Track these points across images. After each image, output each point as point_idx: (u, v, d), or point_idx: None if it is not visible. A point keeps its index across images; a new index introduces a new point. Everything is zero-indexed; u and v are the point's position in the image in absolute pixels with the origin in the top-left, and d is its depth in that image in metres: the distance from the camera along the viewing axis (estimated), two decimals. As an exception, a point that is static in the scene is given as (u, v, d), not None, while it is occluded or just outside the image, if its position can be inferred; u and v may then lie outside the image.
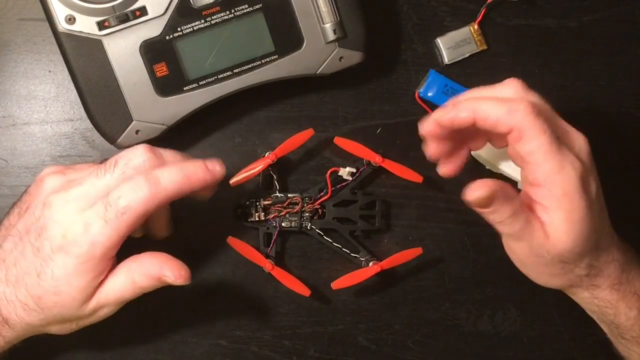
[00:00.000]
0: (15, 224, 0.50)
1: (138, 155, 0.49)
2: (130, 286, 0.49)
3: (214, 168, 0.50)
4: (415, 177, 0.58)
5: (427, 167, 0.61)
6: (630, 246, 0.52)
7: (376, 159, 0.57)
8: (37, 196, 0.50)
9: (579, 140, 0.48)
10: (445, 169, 0.53)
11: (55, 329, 0.51)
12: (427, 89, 0.59)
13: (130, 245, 0.50)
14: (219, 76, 0.55)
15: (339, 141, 0.58)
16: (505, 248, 0.51)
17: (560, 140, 0.47)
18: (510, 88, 0.49)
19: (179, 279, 0.49)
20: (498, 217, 0.47)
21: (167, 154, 0.50)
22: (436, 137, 0.50)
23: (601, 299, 0.51)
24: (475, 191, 0.46)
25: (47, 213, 0.48)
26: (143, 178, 0.47)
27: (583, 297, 0.52)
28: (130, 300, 0.50)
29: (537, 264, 0.49)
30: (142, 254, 0.50)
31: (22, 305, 0.49)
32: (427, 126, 0.49)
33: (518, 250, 0.50)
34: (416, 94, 0.60)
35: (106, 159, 0.50)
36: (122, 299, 0.50)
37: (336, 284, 0.57)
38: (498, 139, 0.51)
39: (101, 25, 0.53)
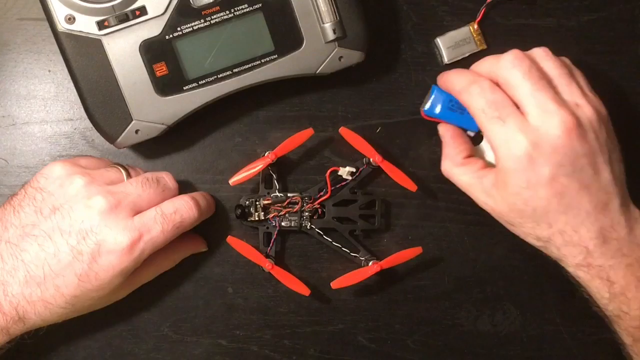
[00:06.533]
0: (37, 224, 0.50)
1: (170, 178, 0.55)
2: (154, 272, 0.56)
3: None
4: (410, 186, 0.58)
5: (426, 167, 0.61)
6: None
7: (376, 157, 0.57)
8: (68, 197, 0.50)
9: (551, 121, 0.50)
10: None
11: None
12: (433, 107, 0.57)
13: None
14: (218, 76, 0.55)
15: (344, 131, 0.58)
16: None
17: (513, 116, 0.51)
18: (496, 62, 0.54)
19: (201, 250, 0.59)
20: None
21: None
22: None
23: (571, 273, 0.53)
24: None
25: (95, 217, 0.50)
26: (194, 203, 0.53)
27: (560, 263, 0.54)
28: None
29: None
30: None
31: (44, 304, 0.50)
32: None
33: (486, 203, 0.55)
34: (421, 112, 0.58)
35: (118, 163, 0.56)
36: (144, 282, 0.56)
37: (336, 284, 0.57)
38: None
39: (101, 25, 0.53)
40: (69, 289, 0.49)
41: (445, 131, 0.57)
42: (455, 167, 0.55)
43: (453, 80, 0.55)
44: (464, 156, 0.55)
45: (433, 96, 0.57)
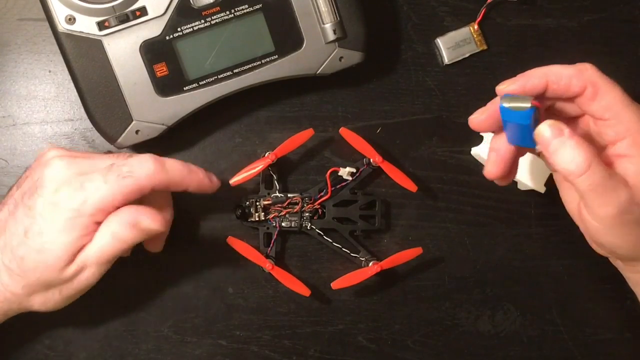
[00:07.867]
0: (13, 195, 0.51)
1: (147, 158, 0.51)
2: (110, 240, 0.48)
3: (212, 176, 0.53)
4: (411, 186, 0.58)
5: (426, 167, 0.61)
6: None
7: (376, 158, 0.57)
8: (38, 165, 0.50)
9: None
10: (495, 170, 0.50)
11: (38, 301, 0.50)
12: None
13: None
14: (219, 76, 0.55)
15: (344, 132, 0.58)
16: (588, 214, 0.47)
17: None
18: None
19: (155, 222, 0.49)
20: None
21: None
22: (493, 126, 0.49)
23: None
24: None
25: (46, 171, 0.49)
26: (151, 156, 0.49)
27: None
28: (113, 257, 0.49)
29: (626, 223, 0.46)
30: (120, 208, 0.49)
31: (7, 270, 0.49)
32: (484, 112, 0.49)
33: (604, 213, 0.46)
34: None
35: (110, 151, 0.54)
36: (103, 256, 0.49)
37: (336, 284, 0.57)
38: (565, 110, 0.50)
39: (101, 26, 0.53)
40: (19, 249, 0.48)
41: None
42: None
43: (556, 69, 0.48)
44: None
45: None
